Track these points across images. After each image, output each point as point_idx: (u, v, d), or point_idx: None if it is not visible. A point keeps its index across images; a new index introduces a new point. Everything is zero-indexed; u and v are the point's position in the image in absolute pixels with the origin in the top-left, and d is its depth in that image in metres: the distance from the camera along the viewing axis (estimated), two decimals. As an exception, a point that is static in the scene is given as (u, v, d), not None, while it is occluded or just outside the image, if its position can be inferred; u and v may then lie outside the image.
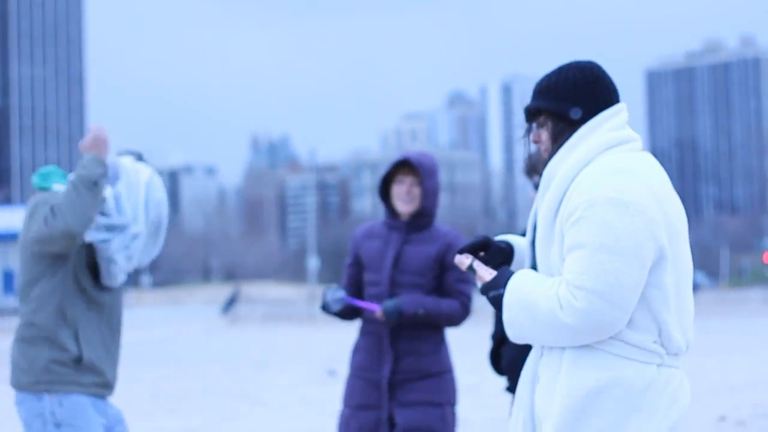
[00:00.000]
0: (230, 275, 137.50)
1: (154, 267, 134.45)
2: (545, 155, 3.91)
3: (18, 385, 4.99)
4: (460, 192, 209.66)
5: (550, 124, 3.86)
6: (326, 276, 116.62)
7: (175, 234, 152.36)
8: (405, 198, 5.71)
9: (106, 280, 5.11)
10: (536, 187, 5.50)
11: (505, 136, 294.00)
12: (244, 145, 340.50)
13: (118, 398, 18.60)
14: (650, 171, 3.77)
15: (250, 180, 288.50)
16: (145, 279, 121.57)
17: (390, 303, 5.59)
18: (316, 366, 22.75)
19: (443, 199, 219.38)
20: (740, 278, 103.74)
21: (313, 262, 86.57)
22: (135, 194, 5.19)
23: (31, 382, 4.94)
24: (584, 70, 3.85)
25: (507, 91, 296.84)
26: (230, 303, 59.65)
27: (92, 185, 4.94)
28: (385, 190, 5.86)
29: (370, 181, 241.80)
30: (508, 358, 5.55)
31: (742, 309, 51.75)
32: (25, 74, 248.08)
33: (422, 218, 5.76)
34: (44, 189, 5.17)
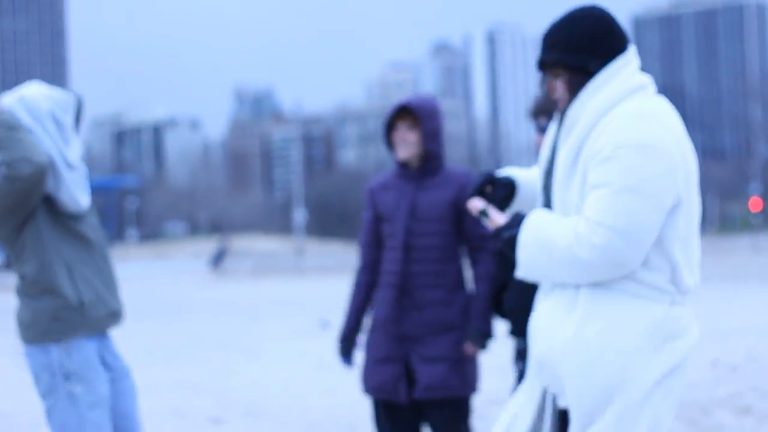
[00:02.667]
0: (216, 228, 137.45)
1: (139, 221, 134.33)
2: (562, 106, 3.97)
3: (26, 338, 4.99)
4: (447, 141, 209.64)
5: (567, 76, 3.93)
6: (313, 228, 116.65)
7: (160, 188, 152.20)
8: (399, 144, 5.63)
9: (72, 207, 4.98)
10: (541, 129, 5.50)
11: (489, 85, 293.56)
12: (228, 98, 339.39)
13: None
14: (672, 116, 3.89)
15: (234, 133, 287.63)
16: (132, 233, 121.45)
17: (474, 333, 5.59)
18: (308, 318, 22.85)
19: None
20: (729, 225, 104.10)
21: (299, 215, 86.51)
22: (42, 122, 4.96)
23: (38, 334, 4.93)
24: (598, 19, 3.91)
25: (491, 39, 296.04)
26: (218, 257, 59.66)
27: (17, 125, 4.82)
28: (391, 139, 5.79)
29: (356, 132, 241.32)
30: (510, 301, 5.55)
31: (731, 256, 52.01)
32: (7, 27, 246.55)
33: (429, 162, 5.67)
34: None
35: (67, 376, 4.90)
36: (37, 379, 4.97)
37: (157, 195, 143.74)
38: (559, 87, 3.96)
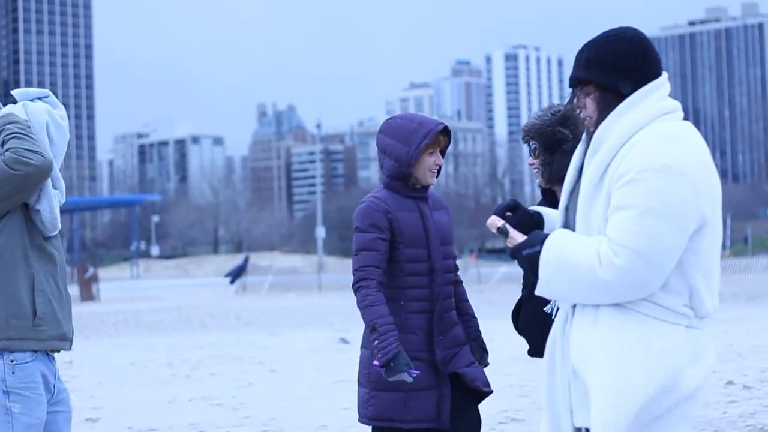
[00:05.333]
0: (238, 246, 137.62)
1: (162, 237, 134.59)
2: (589, 124, 4.01)
3: None
4: (464, 161, 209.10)
5: (597, 94, 3.96)
6: (332, 246, 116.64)
7: (183, 204, 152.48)
8: (433, 168, 5.46)
9: (47, 232, 4.98)
10: (531, 152, 5.54)
11: (509, 105, 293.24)
12: (251, 116, 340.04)
13: (138, 365, 18.76)
14: (698, 140, 3.91)
15: (256, 150, 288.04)
16: (154, 249, 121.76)
17: (478, 352, 5.62)
18: (327, 334, 22.96)
19: (449, 169, 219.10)
20: (744, 246, 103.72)
21: (320, 232, 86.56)
22: (39, 133, 5.01)
23: None
24: (633, 41, 3.96)
25: (512, 59, 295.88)
26: (238, 272, 59.75)
27: (27, 127, 4.91)
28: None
29: (376, 151, 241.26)
30: (524, 318, 5.55)
31: (745, 277, 51.84)
32: (34, 45, 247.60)
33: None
34: None
35: (7, 393, 4.82)
36: None
37: (179, 211, 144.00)
38: (589, 105, 3.99)
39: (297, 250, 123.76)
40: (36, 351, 4.91)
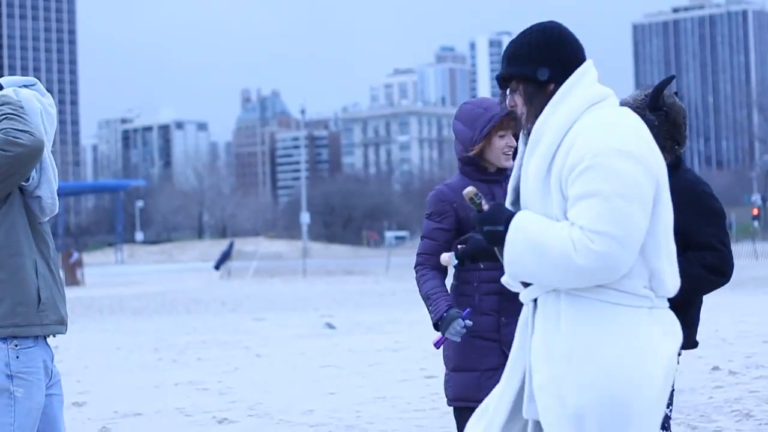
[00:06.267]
0: (222, 232, 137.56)
1: (146, 222, 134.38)
2: (522, 119, 4.06)
3: None
4: (449, 147, 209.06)
5: (521, 87, 4.01)
6: (317, 231, 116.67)
7: (167, 190, 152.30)
8: (506, 150, 5.48)
9: (44, 217, 4.99)
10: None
11: (493, 91, 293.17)
12: (235, 101, 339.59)
13: (124, 349, 18.79)
14: (640, 123, 3.96)
15: (241, 136, 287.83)
16: (138, 235, 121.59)
17: None
18: (313, 319, 22.98)
19: (433, 155, 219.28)
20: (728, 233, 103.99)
21: (304, 218, 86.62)
22: (35, 121, 4.97)
23: None
24: (547, 30, 4.01)
25: (496, 45, 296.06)
26: (223, 258, 59.81)
27: (20, 107, 4.89)
28: None
29: (361, 136, 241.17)
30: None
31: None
32: (17, 30, 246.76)
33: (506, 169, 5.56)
34: None
35: (11, 377, 4.84)
36: None
37: (164, 197, 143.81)
38: (518, 100, 4.04)
39: (281, 236, 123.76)
40: (38, 336, 4.91)
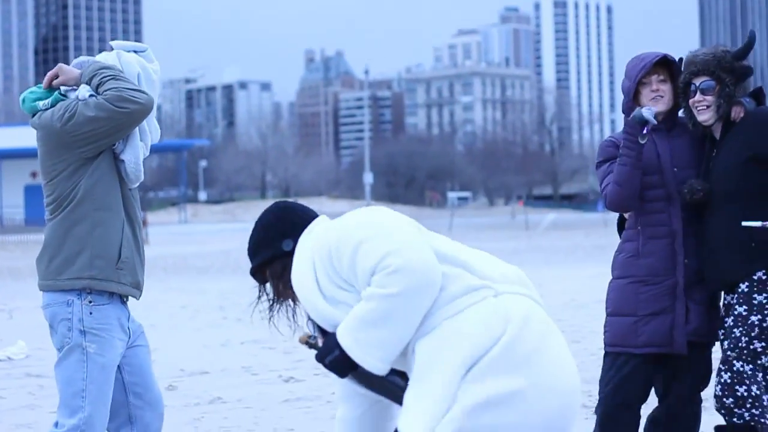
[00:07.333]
0: (285, 191, 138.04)
1: (209, 182, 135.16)
2: (288, 295, 4.41)
3: (50, 284, 4.94)
4: (512, 108, 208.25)
5: (272, 270, 4.37)
6: (379, 191, 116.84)
7: (230, 149, 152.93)
8: (655, 97, 5.54)
9: (130, 183, 5.05)
10: (697, 90, 5.44)
11: (557, 52, 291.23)
12: (299, 62, 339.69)
13: (189, 308, 18.76)
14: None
15: (304, 96, 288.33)
16: (201, 194, 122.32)
17: None
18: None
19: (497, 116, 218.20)
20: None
21: (367, 178, 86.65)
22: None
23: (69, 278, 4.89)
24: (270, 213, 4.33)
25: (560, 6, 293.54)
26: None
27: (120, 72, 4.96)
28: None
29: (424, 97, 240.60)
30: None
31: None
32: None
33: (675, 115, 5.62)
34: (35, 111, 4.99)
35: (84, 332, 4.89)
36: (54, 330, 4.95)
37: (227, 156, 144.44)
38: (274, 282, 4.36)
39: (344, 196, 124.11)
40: (113, 294, 4.96)
